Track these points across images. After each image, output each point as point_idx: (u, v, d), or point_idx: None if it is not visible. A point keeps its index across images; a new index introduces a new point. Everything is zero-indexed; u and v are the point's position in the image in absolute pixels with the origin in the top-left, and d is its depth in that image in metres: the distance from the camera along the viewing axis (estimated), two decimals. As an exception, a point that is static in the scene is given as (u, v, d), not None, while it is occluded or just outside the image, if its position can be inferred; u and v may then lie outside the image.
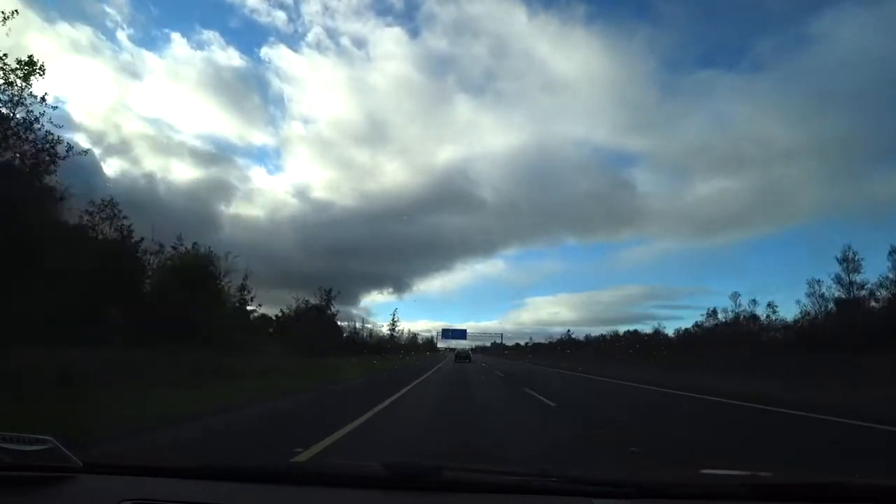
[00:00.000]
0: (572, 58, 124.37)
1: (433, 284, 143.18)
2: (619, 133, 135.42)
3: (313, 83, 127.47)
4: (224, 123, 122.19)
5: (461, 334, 78.08)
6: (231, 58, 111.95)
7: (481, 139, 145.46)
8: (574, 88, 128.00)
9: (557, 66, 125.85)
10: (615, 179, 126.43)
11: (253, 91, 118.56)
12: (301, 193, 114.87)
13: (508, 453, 5.50)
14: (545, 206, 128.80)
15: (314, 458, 4.72)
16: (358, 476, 1.55)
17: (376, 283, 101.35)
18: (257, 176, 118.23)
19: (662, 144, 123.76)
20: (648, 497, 1.36)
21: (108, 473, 1.51)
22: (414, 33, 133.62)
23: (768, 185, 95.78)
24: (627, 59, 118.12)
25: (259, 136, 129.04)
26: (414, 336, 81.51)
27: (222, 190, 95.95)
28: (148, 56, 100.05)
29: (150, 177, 70.14)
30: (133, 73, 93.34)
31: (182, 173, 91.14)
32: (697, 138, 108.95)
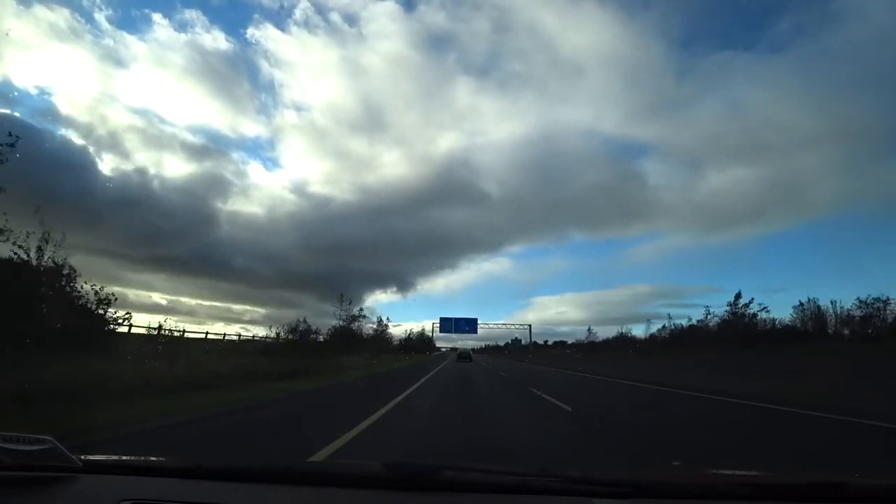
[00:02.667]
0: (581, 34, 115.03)
1: (437, 283, 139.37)
2: (629, 121, 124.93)
3: (304, 66, 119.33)
4: (215, 114, 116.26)
5: (468, 326, 65.18)
6: (216, 40, 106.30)
7: (484, 126, 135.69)
8: (582, 69, 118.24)
9: (565, 43, 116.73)
10: (624, 171, 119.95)
11: (242, 77, 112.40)
12: (299, 189, 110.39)
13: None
14: (551, 200, 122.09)
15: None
16: (358, 476, 1.55)
17: (379, 282, 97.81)
18: (252, 170, 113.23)
19: (675, 133, 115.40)
20: (648, 497, 1.36)
21: (108, 473, 1.51)
22: (409, 6, 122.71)
23: (786, 176, 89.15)
24: (639, 37, 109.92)
25: (252, 127, 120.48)
26: (383, 330, 56.55)
27: (217, 185, 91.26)
28: (130, 40, 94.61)
29: (142, 172, 67.99)
30: (117, 60, 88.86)
31: (175, 168, 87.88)
32: (712, 126, 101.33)
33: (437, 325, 69.43)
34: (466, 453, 5.20)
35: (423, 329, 78.14)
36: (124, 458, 1.68)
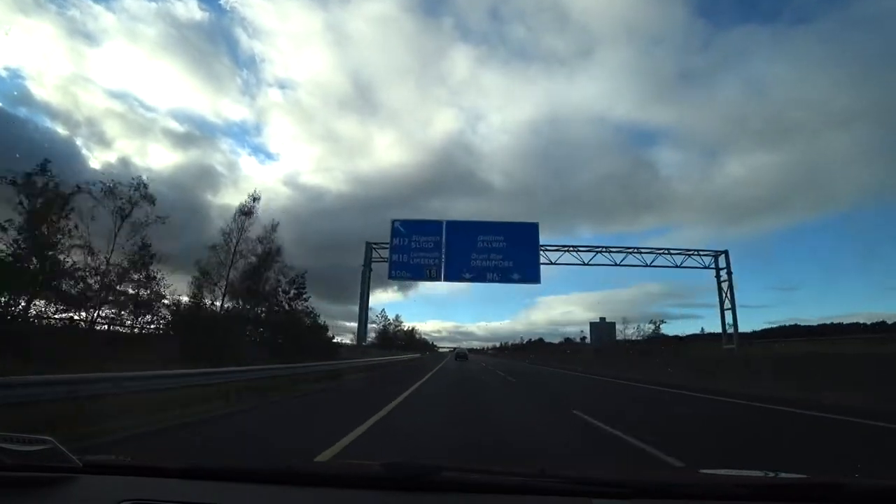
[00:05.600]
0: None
1: (440, 282, 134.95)
2: (643, 103, 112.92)
3: (285, 36, 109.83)
4: (195, 94, 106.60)
5: (519, 260, 23.95)
6: (189, 9, 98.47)
7: (486, 105, 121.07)
8: (593, 39, 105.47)
9: (574, 3, 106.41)
10: (636, 160, 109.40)
11: (221, 51, 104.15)
12: (291, 179, 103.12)
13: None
14: (558, 192, 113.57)
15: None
16: (358, 476, 1.55)
17: (381, 280, 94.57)
18: (240, 160, 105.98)
19: (690, 116, 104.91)
20: (648, 497, 1.36)
21: (108, 473, 1.51)
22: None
23: (811, 162, 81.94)
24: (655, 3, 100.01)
25: (236, 110, 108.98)
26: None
27: (206, 177, 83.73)
28: (98, 10, 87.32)
29: (127, 162, 63.37)
30: (86, 35, 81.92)
31: (162, 159, 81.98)
32: (730, 107, 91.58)
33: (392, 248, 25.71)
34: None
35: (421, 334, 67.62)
36: (124, 458, 1.69)
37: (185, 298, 23.50)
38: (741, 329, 28.82)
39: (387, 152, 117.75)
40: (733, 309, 28.01)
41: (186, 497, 1.35)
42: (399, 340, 73.40)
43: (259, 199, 26.92)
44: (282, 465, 1.58)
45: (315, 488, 1.47)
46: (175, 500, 1.32)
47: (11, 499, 1.32)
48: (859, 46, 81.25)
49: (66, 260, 17.67)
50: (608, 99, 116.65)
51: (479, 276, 25.43)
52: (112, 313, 20.38)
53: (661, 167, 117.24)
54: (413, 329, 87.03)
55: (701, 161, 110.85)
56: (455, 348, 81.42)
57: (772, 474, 1.63)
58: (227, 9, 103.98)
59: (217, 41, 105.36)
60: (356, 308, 28.90)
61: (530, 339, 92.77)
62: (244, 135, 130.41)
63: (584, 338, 61.84)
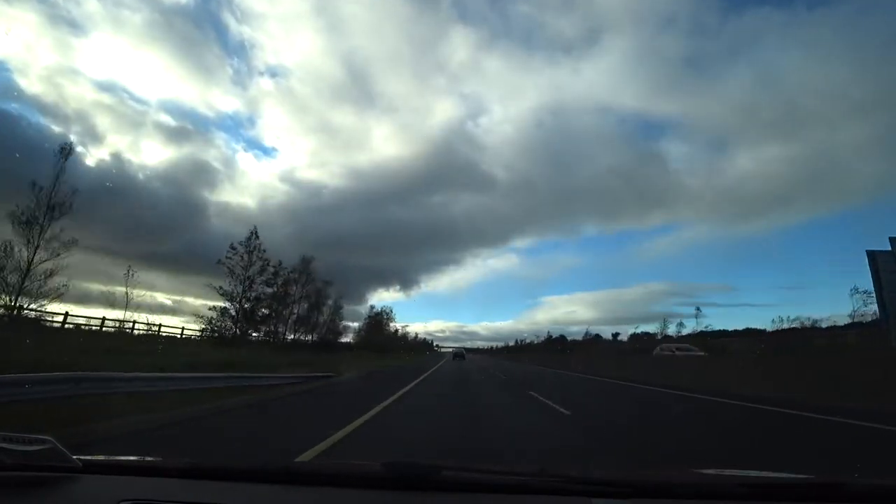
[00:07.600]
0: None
1: (442, 281, 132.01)
2: (650, 91, 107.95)
3: (275, 19, 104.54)
4: (185, 84, 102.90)
5: None
6: None
7: (487, 94, 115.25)
8: (597, 23, 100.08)
9: None
10: (643, 153, 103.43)
11: (209, 38, 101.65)
12: (287, 175, 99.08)
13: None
14: (562, 187, 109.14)
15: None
16: (357, 476, 1.55)
17: (382, 279, 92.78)
18: (236, 154, 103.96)
19: (701, 106, 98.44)
20: (647, 497, 1.36)
21: (108, 473, 1.51)
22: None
23: (825, 153, 77.02)
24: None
25: (228, 101, 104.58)
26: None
27: (202, 174, 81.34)
28: None
29: (121, 159, 61.29)
30: (71, 22, 79.91)
31: (155, 154, 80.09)
32: (742, 97, 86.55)
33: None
34: None
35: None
36: (124, 458, 1.68)
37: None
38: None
39: (384, 143, 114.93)
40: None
41: (186, 497, 1.35)
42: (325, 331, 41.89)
43: None
44: (280, 465, 1.59)
45: (315, 488, 1.47)
46: (174, 500, 1.32)
47: (11, 499, 1.32)
48: (878, 32, 75.29)
49: None
50: (614, 88, 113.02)
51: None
52: None
53: (670, 160, 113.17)
54: (383, 313, 64.35)
55: (710, 154, 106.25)
56: (454, 348, 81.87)
57: (772, 474, 1.62)
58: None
59: (205, 27, 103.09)
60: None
61: (550, 336, 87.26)
62: (238, 128, 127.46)
63: (616, 334, 58.63)
